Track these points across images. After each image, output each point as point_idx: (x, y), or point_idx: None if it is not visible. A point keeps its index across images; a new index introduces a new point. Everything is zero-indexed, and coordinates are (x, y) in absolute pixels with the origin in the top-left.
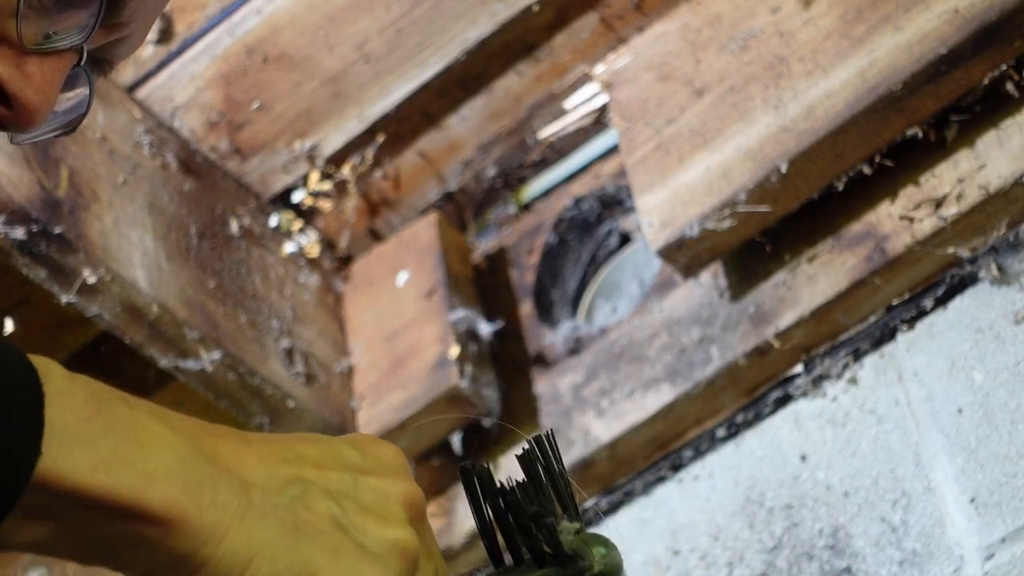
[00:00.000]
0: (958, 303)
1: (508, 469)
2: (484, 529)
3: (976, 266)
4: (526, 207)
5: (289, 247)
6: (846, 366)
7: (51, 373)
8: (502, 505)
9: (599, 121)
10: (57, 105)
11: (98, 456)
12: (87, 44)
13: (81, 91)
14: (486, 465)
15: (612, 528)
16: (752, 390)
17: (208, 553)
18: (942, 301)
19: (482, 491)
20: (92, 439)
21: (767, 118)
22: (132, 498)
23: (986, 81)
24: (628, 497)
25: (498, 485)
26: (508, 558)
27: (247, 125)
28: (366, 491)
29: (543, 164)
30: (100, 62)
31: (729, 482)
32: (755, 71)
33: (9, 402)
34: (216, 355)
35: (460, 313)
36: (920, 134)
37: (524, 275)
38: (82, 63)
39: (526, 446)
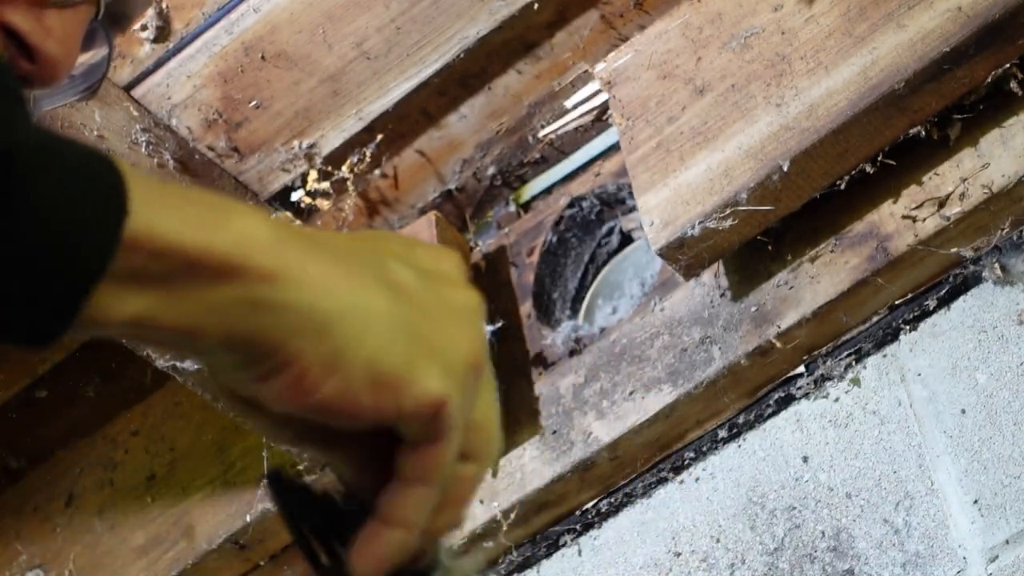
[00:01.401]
0: (961, 303)
1: (507, 469)
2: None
3: (979, 266)
4: (526, 206)
5: None
6: (848, 367)
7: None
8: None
9: (599, 119)
10: (76, 68)
11: (188, 218)
12: None
13: (100, 50)
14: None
15: (613, 530)
16: (754, 391)
17: (323, 307)
18: (945, 301)
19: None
20: (178, 205)
21: (769, 117)
22: (234, 253)
23: (989, 79)
24: (629, 499)
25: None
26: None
27: (245, 124)
28: (434, 279)
29: (543, 163)
30: (117, 17)
31: (731, 483)
32: (757, 69)
33: (87, 170)
34: None
35: None
36: (923, 133)
37: (524, 275)
38: (99, 16)
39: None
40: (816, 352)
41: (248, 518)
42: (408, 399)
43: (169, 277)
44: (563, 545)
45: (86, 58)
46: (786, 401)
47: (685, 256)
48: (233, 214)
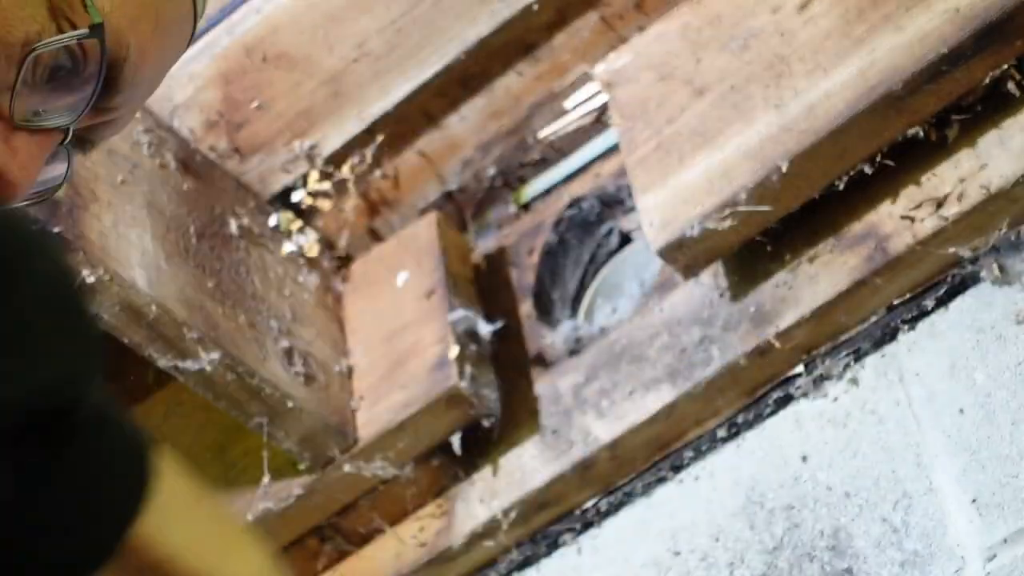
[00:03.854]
0: (959, 303)
1: (507, 469)
2: None
3: (977, 266)
4: (526, 207)
5: (288, 247)
6: (847, 366)
7: (166, 453)
8: None
9: (599, 121)
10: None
11: (195, 540)
12: (74, 125)
13: (59, 167)
14: None
15: (612, 529)
16: (753, 390)
17: None
18: (943, 301)
19: None
20: (194, 522)
21: (768, 117)
22: None
23: (987, 80)
24: (628, 498)
25: None
26: None
27: (246, 124)
28: None
29: (543, 164)
30: (83, 141)
31: (730, 483)
32: (755, 70)
33: (123, 459)
34: (215, 355)
35: (460, 313)
36: (921, 134)
37: (524, 275)
38: (66, 142)
39: None
40: (815, 352)
41: (248, 518)
42: None
43: None
44: (563, 544)
45: (42, 175)
46: (785, 401)
47: (684, 256)
48: (233, 550)
